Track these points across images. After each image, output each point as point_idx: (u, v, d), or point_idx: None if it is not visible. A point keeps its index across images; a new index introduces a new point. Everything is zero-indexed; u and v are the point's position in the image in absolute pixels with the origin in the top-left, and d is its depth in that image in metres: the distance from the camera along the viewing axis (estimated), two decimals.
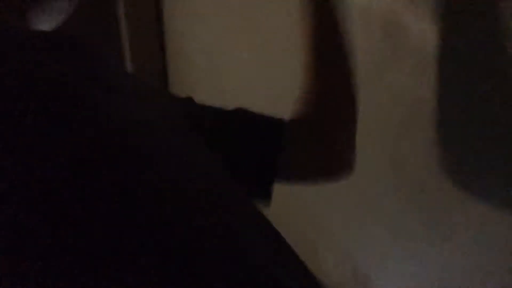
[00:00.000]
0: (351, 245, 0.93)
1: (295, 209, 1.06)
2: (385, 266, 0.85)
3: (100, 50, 0.49)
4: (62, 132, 0.36)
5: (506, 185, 0.60)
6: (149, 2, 1.82)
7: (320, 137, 0.63)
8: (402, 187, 0.77)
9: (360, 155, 0.65)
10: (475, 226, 0.66)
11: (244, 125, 0.60)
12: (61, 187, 0.34)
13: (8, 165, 0.34)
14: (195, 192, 0.41)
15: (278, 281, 0.40)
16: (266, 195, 0.59)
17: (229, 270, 0.38)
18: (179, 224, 0.38)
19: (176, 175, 0.41)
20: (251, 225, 0.44)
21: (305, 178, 0.65)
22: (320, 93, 0.63)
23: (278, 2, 0.98)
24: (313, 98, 0.63)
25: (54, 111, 0.37)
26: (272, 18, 1.02)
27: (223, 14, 1.26)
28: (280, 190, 0.60)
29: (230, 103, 0.62)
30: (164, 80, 1.99)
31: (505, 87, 0.58)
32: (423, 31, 0.66)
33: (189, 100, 0.61)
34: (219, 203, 0.42)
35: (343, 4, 0.62)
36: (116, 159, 0.37)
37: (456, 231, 0.69)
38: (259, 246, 0.42)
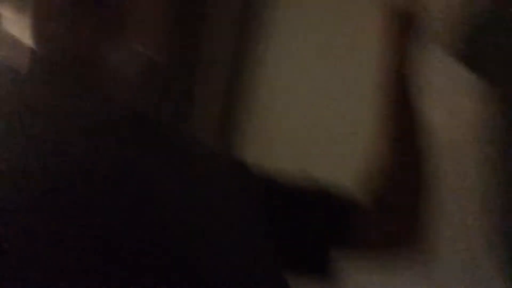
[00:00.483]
0: None
1: None
2: None
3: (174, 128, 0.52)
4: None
5: None
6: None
7: (391, 212, 0.62)
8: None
9: None
10: None
11: (305, 205, 0.61)
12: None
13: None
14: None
15: None
16: (326, 272, 0.60)
17: None
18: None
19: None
20: None
21: (371, 251, 0.64)
22: (392, 168, 0.63)
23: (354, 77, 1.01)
24: (384, 172, 0.63)
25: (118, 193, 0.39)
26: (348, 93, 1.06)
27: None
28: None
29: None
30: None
31: None
32: None
33: (250, 169, 0.60)
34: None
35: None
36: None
37: None
38: None
